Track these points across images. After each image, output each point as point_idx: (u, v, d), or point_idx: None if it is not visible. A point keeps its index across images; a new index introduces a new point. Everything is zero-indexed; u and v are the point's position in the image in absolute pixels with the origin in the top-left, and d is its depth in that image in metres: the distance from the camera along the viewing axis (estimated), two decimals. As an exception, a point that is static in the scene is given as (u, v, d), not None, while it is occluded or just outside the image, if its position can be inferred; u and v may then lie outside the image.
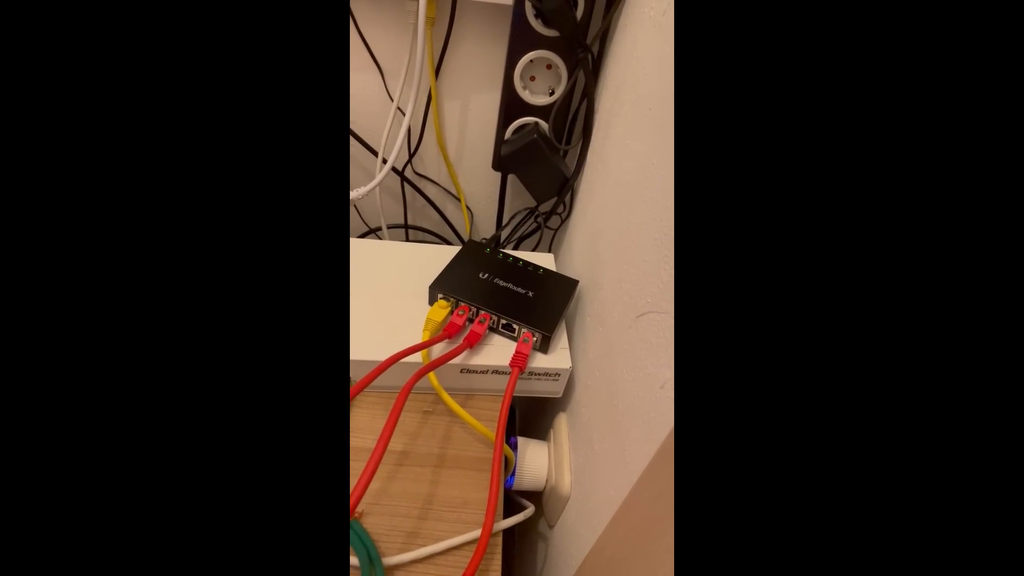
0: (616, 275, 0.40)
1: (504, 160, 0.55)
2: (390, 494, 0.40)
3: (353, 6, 0.54)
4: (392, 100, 0.59)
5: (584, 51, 0.49)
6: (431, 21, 0.53)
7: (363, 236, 0.73)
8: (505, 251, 0.54)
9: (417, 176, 0.67)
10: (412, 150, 0.64)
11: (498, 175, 0.64)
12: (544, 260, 0.56)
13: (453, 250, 0.55)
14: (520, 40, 0.50)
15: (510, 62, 0.51)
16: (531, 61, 0.51)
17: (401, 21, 0.55)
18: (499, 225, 0.67)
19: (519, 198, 0.67)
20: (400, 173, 0.66)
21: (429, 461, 0.42)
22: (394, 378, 0.42)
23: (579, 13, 0.47)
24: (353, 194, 0.58)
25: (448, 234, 0.73)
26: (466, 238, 0.72)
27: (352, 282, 0.51)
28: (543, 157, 0.54)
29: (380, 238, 0.72)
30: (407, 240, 0.73)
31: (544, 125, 0.54)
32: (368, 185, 0.58)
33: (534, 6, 0.47)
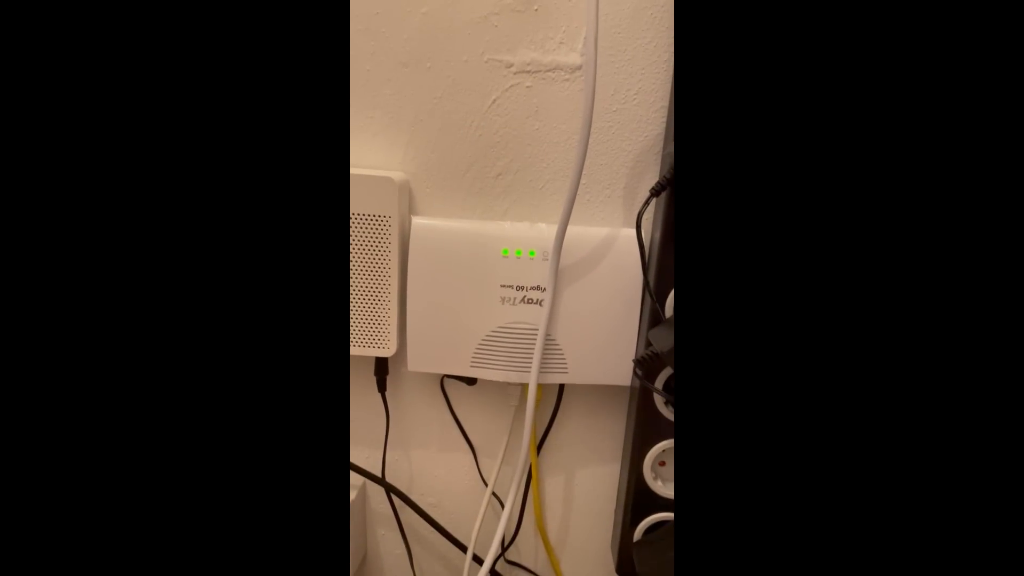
0: None
1: (642, 571, 0.42)
2: None
3: (447, 389, 0.49)
4: (486, 485, 0.50)
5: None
6: (538, 403, 0.48)
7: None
8: None
9: (509, 565, 0.54)
10: (508, 542, 0.52)
11: (610, 565, 0.50)
12: None
13: None
14: (648, 430, 0.42)
15: (637, 454, 0.43)
16: (664, 450, 0.42)
17: (499, 402, 0.50)
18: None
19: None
20: (491, 568, 0.52)
21: None
22: None
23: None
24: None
25: (547, 640, 0.55)
26: (573, 648, 0.53)
27: None
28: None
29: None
30: (493, 652, 0.55)
31: (686, 523, 0.43)
32: (456, 605, 0.44)
33: (666, 399, 0.41)
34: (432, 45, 0.42)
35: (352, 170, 0.42)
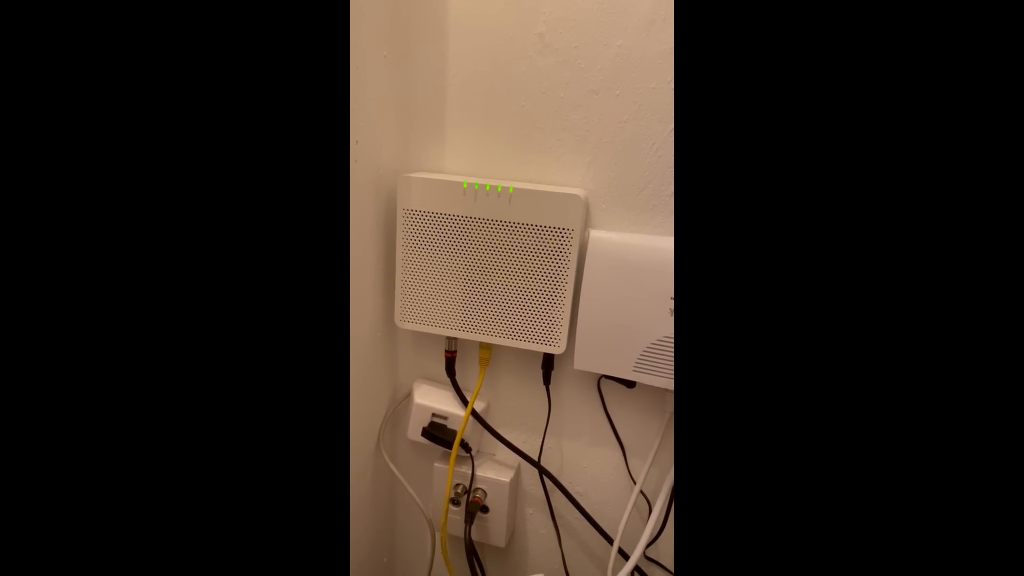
0: None
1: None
2: None
3: (603, 389, 0.53)
4: (635, 483, 0.54)
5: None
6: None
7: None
8: None
9: (647, 561, 0.56)
10: (654, 536, 0.55)
11: None
12: None
13: None
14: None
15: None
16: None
17: (654, 407, 0.52)
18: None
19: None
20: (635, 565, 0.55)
21: None
22: None
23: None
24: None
25: (679, 639, 0.57)
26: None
27: None
28: None
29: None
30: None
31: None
32: (604, 587, 0.48)
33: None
34: (623, 74, 0.46)
35: (541, 187, 0.47)
